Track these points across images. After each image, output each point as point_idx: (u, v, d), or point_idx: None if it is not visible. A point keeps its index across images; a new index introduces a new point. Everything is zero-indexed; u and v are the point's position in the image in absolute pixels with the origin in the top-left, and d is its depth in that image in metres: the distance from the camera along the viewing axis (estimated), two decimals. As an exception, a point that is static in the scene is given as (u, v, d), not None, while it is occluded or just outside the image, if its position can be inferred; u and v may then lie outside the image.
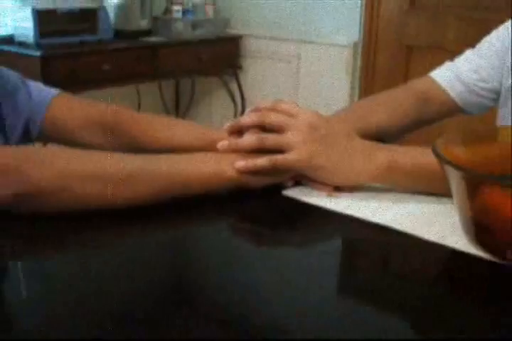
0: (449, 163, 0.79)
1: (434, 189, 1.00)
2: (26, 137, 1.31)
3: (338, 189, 1.04)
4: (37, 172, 0.91)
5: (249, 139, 1.03)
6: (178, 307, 0.73)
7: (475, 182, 0.80)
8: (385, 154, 1.02)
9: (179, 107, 4.59)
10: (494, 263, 0.82)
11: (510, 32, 1.46)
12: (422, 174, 0.99)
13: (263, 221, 1.00)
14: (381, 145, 1.06)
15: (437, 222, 0.92)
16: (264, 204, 1.03)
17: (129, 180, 0.96)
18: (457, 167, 0.79)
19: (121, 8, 3.80)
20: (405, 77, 3.37)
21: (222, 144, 1.05)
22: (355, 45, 3.70)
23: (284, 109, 1.05)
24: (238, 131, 1.08)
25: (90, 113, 1.30)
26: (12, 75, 1.31)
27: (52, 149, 1.05)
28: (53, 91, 1.33)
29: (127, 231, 0.94)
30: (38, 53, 3.24)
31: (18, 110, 1.29)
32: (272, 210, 1.02)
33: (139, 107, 4.20)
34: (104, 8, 3.64)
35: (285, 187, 1.06)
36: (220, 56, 4.09)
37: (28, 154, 0.96)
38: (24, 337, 0.69)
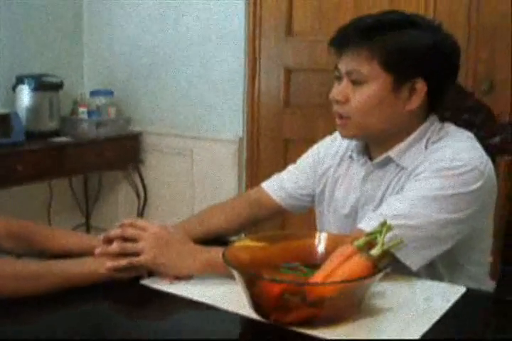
0: (229, 263, 1.27)
1: None
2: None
3: (177, 278, 1.51)
4: None
5: (115, 247, 1.52)
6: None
7: (247, 278, 1.28)
8: (205, 254, 1.51)
9: (88, 199, 4.70)
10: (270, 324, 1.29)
11: (321, 147, 1.95)
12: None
13: (127, 302, 1.48)
14: (204, 248, 1.55)
15: (237, 298, 1.37)
16: (127, 291, 1.50)
17: (32, 279, 1.43)
18: (233, 267, 1.27)
19: (31, 111, 3.97)
20: (284, 167, 3.72)
21: (97, 251, 1.53)
22: (241, 140, 3.97)
23: (138, 225, 1.55)
24: (109, 240, 1.56)
25: (7, 227, 1.74)
26: None
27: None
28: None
29: (26, 316, 1.38)
30: (-43, 157, 3.47)
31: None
32: (132, 294, 1.49)
33: (50, 201, 4.36)
34: (16, 114, 3.82)
35: (142, 278, 1.53)
36: (123, 152, 4.27)
37: None
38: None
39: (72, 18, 4.45)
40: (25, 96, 4.00)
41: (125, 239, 1.53)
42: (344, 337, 1.22)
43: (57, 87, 4.09)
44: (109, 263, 1.47)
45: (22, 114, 3.94)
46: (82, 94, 4.37)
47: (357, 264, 1.28)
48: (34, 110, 4.01)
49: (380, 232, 1.32)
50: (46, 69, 4.20)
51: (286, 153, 3.82)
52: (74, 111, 4.25)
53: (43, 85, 4.01)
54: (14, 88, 4.02)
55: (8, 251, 1.73)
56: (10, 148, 3.74)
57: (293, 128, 3.84)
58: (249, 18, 3.86)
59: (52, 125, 4.10)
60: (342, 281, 1.24)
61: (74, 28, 4.47)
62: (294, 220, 3.22)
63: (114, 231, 1.55)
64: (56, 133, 4.09)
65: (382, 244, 1.30)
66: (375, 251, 1.29)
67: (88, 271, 1.46)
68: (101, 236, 1.58)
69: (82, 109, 4.17)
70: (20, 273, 1.43)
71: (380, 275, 1.28)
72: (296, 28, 3.77)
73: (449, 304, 1.39)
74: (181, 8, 4.09)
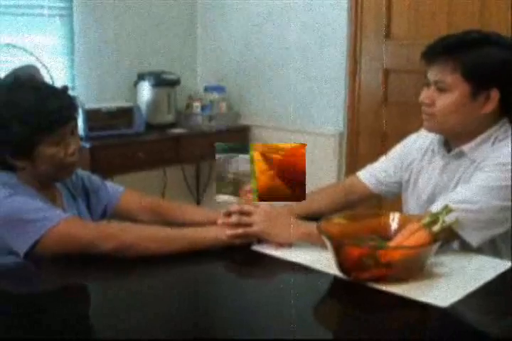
0: (322, 233, 1.63)
1: None
2: (102, 216, 2.15)
3: (281, 245, 1.90)
4: (125, 236, 1.78)
5: (234, 219, 1.91)
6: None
7: (336, 244, 1.64)
8: (304, 227, 1.89)
9: (199, 186, 4.98)
10: (350, 280, 1.66)
11: (408, 142, 2.27)
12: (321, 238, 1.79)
13: (240, 263, 1.88)
14: (303, 222, 1.93)
15: (326, 261, 1.72)
16: (241, 254, 1.89)
17: (167, 242, 1.82)
18: (325, 235, 1.63)
19: (151, 105, 4.31)
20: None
21: (220, 221, 1.93)
22: (341, 134, 4.17)
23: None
24: (229, 214, 1.95)
25: (143, 202, 2.14)
26: (94, 177, 2.16)
27: (129, 224, 1.94)
28: (121, 188, 2.17)
29: (162, 270, 1.79)
30: (87, 145, 3.73)
31: (100, 201, 2.12)
32: (244, 257, 1.89)
33: (164, 187, 4.64)
34: (138, 107, 4.16)
35: (252, 244, 1.92)
36: (233, 143, 4.52)
37: (120, 226, 1.86)
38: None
39: (186, 20, 4.76)
40: (145, 91, 4.36)
41: (242, 213, 1.92)
42: (406, 293, 1.57)
43: (175, 83, 4.43)
44: (229, 231, 1.87)
45: (143, 107, 4.28)
46: (196, 89, 4.70)
47: (420, 237, 1.64)
48: (153, 104, 4.36)
49: (442, 213, 1.67)
50: (164, 67, 4.52)
51: (383, 148, 3.75)
52: (189, 106, 4.56)
53: (162, 81, 4.35)
54: (136, 84, 4.40)
55: (143, 222, 2.13)
56: (132, 137, 4.13)
57: (390, 124, 4.02)
58: (351, 21, 4.08)
59: (169, 118, 4.45)
60: (403, 246, 1.62)
61: (188, 29, 4.78)
62: (387, 204, 3.49)
63: (234, 207, 1.95)
64: (172, 125, 4.42)
65: (442, 222, 1.65)
66: (435, 228, 1.65)
67: (211, 237, 1.87)
68: (222, 211, 1.97)
69: (196, 104, 4.50)
70: (158, 236, 1.84)
71: (436, 245, 1.64)
72: (394, 32, 3.99)
73: (495, 274, 1.71)
74: (288, 10, 4.31)
